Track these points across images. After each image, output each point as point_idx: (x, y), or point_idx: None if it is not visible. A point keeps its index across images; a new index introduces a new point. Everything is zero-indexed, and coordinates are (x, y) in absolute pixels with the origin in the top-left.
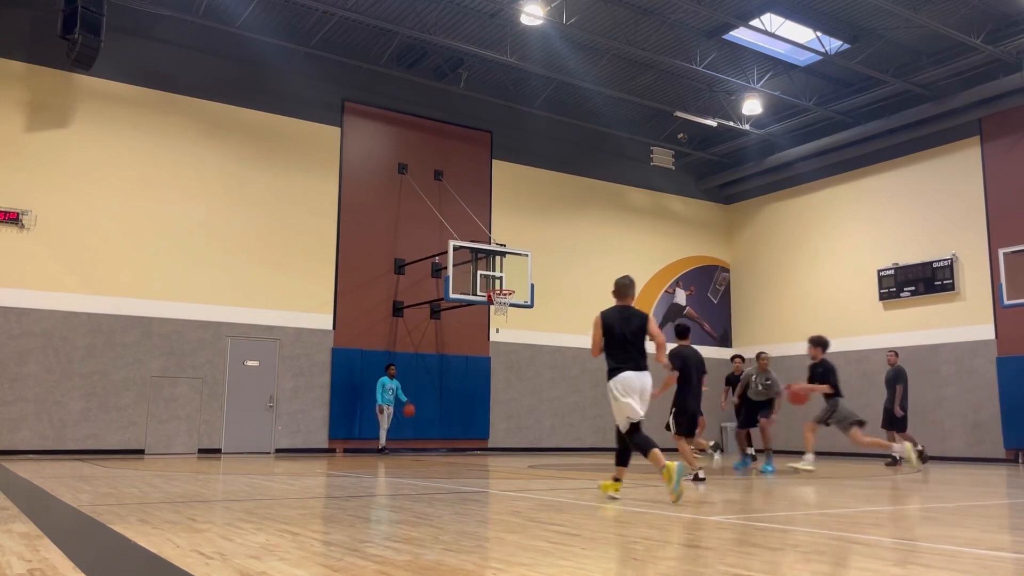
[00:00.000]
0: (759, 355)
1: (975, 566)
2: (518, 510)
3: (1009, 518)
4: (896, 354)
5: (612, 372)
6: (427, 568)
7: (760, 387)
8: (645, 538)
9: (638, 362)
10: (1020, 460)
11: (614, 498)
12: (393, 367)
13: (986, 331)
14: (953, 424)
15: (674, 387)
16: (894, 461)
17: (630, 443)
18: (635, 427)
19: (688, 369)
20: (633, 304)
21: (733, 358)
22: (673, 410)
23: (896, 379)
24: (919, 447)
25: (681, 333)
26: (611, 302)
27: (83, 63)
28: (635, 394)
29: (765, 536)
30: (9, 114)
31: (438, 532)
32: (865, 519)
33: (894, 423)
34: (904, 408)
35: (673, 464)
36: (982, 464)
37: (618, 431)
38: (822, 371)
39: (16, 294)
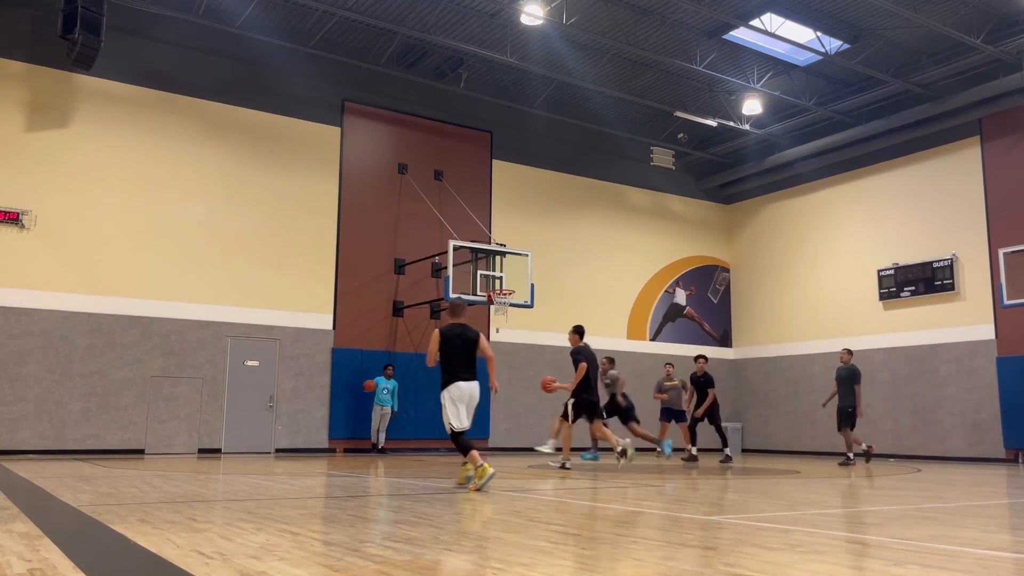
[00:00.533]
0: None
1: (975, 566)
2: (518, 510)
3: (1009, 518)
4: (850, 352)
5: (447, 381)
6: (427, 568)
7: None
8: (645, 538)
9: (470, 373)
10: (1020, 460)
11: (470, 478)
12: (391, 367)
13: (986, 331)
14: (953, 424)
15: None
16: (847, 461)
17: (455, 445)
18: (456, 434)
19: (591, 363)
20: (467, 322)
21: (697, 358)
22: (572, 400)
23: (853, 378)
24: (866, 446)
25: (579, 333)
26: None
27: (83, 63)
28: (464, 402)
29: (765, 536)
30: (9, 114)
31: (438, 532)
32: (865, 519)
33: (846, 420)
34: (855, 407)
35: (489, 468)
36: (982, 464)
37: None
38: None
39: (16, 294)
